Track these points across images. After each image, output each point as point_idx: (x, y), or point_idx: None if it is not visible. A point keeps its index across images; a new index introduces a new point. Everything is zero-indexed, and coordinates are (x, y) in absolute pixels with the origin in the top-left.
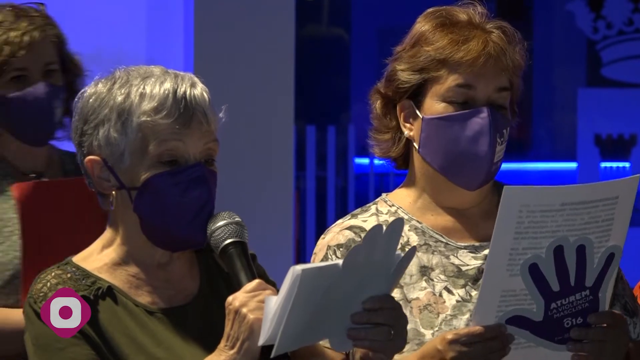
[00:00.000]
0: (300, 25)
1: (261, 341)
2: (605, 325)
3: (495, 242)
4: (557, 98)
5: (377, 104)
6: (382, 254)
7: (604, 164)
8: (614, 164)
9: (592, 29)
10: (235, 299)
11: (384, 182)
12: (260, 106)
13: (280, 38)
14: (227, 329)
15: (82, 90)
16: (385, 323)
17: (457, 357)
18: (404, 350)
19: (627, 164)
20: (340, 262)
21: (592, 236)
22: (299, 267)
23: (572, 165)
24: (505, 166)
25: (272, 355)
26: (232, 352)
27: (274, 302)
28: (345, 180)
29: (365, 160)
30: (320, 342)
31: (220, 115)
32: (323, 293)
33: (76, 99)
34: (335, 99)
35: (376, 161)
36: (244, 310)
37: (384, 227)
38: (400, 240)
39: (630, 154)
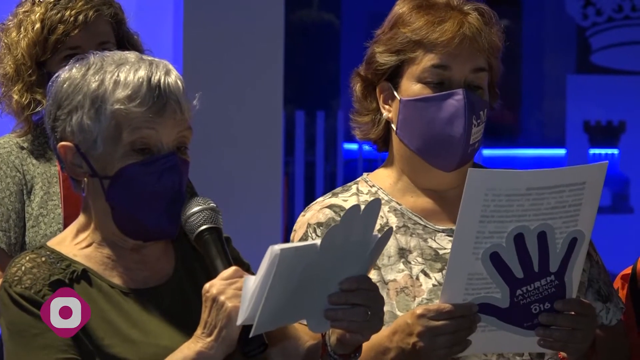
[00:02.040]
0: (290, 10)
1: (240, 320)
2: (573, 313)
3: (461, 225)
4: (546, 84)
5: (357, 87)
6: (359, 234)
7: (592, 151)
8: (603, 151)
9: (581, 15)
10: (213, 286)
11: (373, 168)
12: (249, 91)
13: (270, 23)
14: (204, 316)
15: (56, 74)
16: (362, 304)
17: (424, 331)
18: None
19: (615, 151)
20: (318, 242)
21: (557, 221)
22: (277, 247)
23: (561, 151)
24: (493, 152)
25: (251, 334)
26: (209, 339)
27: (252, 281)
28: (334, 166)
29: (354, 146)
30: (296, 324)
31: (194, 102)
32: (301, 273)
33: (50, 83)
34: (325, 84)
35: (365, 147)
36: (222, 297)
37: (362, 208)
38: (380, 221)
39: (619, 140)
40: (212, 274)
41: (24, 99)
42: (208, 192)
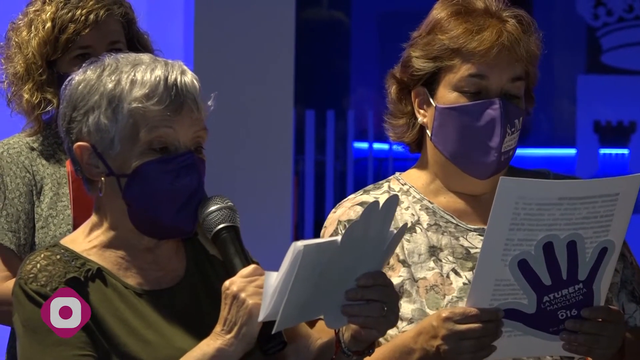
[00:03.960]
0: (301, 9)
1: (261, 317)
2: (600, 320)
3: (490, 231)
4: (556, 84)
5: (392, 89)
6: (377, 230)
7: (603, 151)
8: (613, 151)
9: (592, 15)
10: (233, 284)
11: (383, 167)
12: (260, 90)
13: (281, 22)
14: (223, 313)
15: (70, 77)
16: (378, 299)
17: (449, 335)
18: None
19: (626, 151)
20: (338, 238)
21: (587, 231)
22: (300, 243)
23: (571, 151)
24: None
25: (274, 330)
26: (229, 336)
27: (274, 278)
28: (344, 165)
29: (364, 145)
30: (304, 323)
31: (209, 103)
32: (321, 269)
33: (63, 86)
34: (335, 84)
35: (375, 145)
36: (243, 295)
37: (381, 203)
38: (411, 219)
39: (630, 140)
40: (229, 273)
41: (34, 98)
42: (218, 191)
